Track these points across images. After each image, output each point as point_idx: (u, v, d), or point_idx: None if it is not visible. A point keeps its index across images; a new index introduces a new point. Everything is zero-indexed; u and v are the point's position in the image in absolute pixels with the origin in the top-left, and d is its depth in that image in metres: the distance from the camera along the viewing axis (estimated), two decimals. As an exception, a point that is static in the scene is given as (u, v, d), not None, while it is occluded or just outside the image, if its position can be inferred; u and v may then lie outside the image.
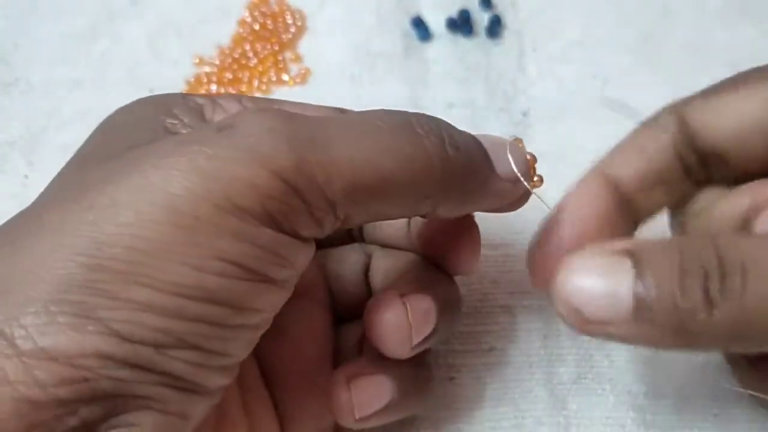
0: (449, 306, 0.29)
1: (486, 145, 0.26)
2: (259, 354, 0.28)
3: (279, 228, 0.22)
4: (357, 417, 0.27)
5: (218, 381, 0.22)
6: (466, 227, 0.29)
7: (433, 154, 0.23)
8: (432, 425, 0.32)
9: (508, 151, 0.26)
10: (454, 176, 0.24)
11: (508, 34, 0.42)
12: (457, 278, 0.34)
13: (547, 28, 0.42)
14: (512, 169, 0.26)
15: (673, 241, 0.24)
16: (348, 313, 0.31)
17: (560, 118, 0.39)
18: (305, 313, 0.29)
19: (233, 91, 0.41)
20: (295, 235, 0.22)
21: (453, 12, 0.43)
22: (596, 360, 0.33)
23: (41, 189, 0.37)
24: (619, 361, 0.33)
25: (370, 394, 0.27)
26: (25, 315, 0.19)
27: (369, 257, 0.31)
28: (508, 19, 0.43)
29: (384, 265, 0.30)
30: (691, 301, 0.22)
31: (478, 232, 0.29)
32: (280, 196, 0.21)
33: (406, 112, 0.24)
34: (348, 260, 0.31)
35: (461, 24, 0.42)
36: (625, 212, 0.27)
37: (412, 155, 0.23)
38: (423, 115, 0.24)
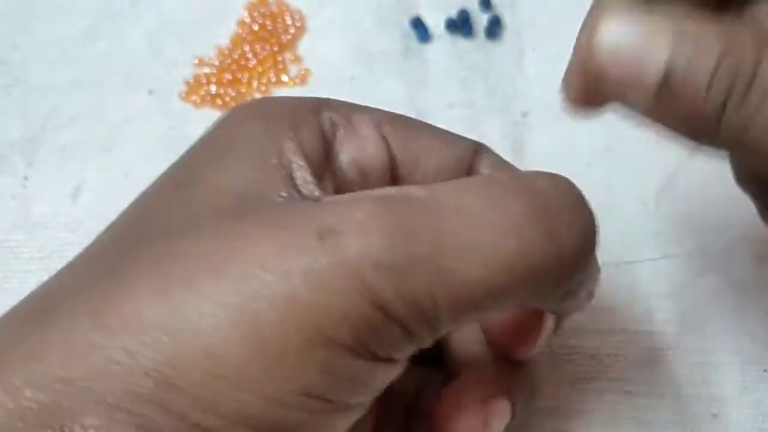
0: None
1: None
2: None
3: (372, 357, 0.19)
4: None
5: None
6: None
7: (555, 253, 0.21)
8: (432, 426, 0.32)
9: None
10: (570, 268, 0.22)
11: (507, 35, 0.42)
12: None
13: (547, 29, 0.42)
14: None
15: (721, 33, 0.20)
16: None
17: (560, 119, 0.39)
18: None
19: (232, 93, 0.41)
20: (388, 361, 0.20)
21: (452, 13, 0.43)
22: (596, 360, 0.33)
23: (41, 190, 0.38)
24: (620, 361, 0.33)
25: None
26: (87, 415, 0.18)
27: None
28: (508, 20, 0.43)
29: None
30: (711, 99, 0.19)
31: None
32: (378, 328, 0.19)
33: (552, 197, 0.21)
34: None
35: (461, 25, 0.42)
36: None
37: (542, 274, 0.21)
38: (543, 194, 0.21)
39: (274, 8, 0.43)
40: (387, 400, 0.25)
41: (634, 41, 0.20)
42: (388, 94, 0.40)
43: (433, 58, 0.42)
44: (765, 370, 0.33)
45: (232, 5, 0.43)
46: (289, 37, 0.42)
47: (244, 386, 0.18)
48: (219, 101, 0.40)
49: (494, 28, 0.42)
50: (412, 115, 0.39)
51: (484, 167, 0.26)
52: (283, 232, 0.19)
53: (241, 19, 0.43)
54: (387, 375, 0.20)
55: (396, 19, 0.42)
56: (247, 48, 0.42)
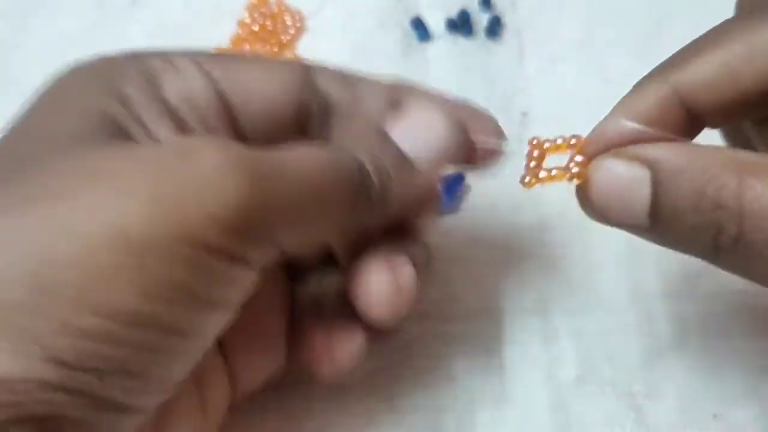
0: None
1: (409, 134, 0.26)
2: None
3: (232, 260, 0.22)
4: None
5: (157, 401, 0.22)
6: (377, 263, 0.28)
7: (353, 183, 0.24)
8: (431, 426, 0.32)
9: (435, 131, 0.26)
10: (374, 202, 0.25)
11: (507, 35, 0.42)
12: (456, 280, 0.34)
13: (547, 29, 0.42)
14: (439, 150, 0.26)
15: (695, 155, 0.23)
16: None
17: (560, 118, 0.39)
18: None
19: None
20: (245, 265, 0.22)
21: (453, 12, 0.43)
22: (596, 361, 0.33)
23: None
24: (620, 361, 0.33)
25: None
26: None
27: None
28: (508, 20, 0.43)
29: None
30: (699, 241, 0.23)
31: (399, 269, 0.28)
32: (238, 233, 0.21)
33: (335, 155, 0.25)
34: None
35: (461, 24, 0.42)
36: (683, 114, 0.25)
37: (337, 182, 0.24)
38: (348, 141, 0.26)
39: (274, 8, 0.43)
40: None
41: (622, 180, 0.24)
42: (388, 94, 0.40)
43: (433, 58, 0.42)
44: (765, 370, 0.33)
45: (232, 5, 0.43)
46: (289, 37, 0.43)
47: (116, 283, 0.20)
48: (219, 101, 0.40)
49: (494, 28, 0.42)
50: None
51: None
52: (143, 153, 0.22)
53: (241, 19, 0.43)
54: (246, 277, 0.23)
55: (396, 19, 0.42)
56: (247, 48, 0.42)
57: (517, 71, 0.41)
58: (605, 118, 0.25)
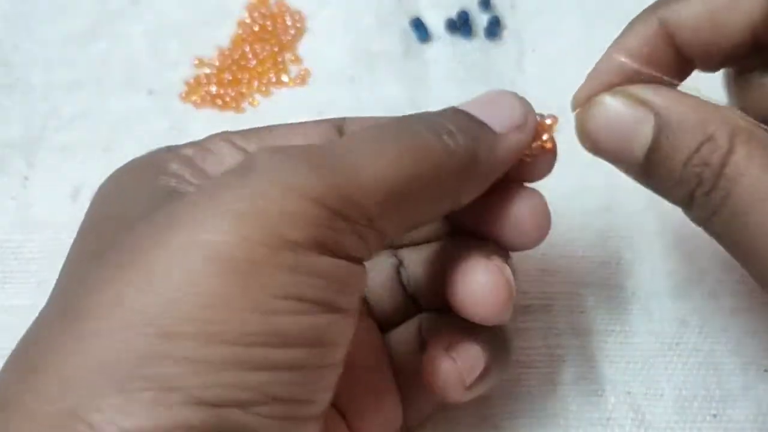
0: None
1: (477, 110, 0.26)
2: None
3: (332, 253, 0.21)
4: (467, 384, 0.27)
5: (304, 430, 0.22)
6: (518, 192, 0.28)
7: (439, 149, 0.24)
8: (432, 425, 0.32)
9: (499, 105, 0.27)
10: (464, 161, 0.24)
11: (507, 35, 0.42)
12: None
13: (547, 29, 0.42)
14: (510, 119, 0.26)
15: (699, 113, 0.24)
16: (389, 321, 0.30)
17: (560, 119, 0.39)
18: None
19: (232, 93, 0.41)
20: (348, 258, 0.22)
21: (452, 13, 0.43)
22: (596, 360, 0.33)
23: (40, 190, 0.38)
24: (619, 361, 0.33)
25: (471, 359, 0.27)
26: (102, 398, 0.18)
27: (399, 260, 0.31)
28: (508, 20, 0.43)
29: (416, 261, 0.30)
30: (682, 187, 0.24)
31: (536, 195, 0.28)
32: (325, 222, 0.21)
33: (398, 118, 0.25)
34: (377, 269, 0.30)
35: (460, 25, 0.42)
36: (675, 55, 0.26)
37: (424, 154, 0.23)
38: (412, 116, 0.25)
39: (275, 9, 0.43)
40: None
41: (624, 120, 0.25)
42: (388, 94, 0.40)
43: (433, 59, 0.42)
44: (765, 370, 0.33)
45: (233, 6, 0.43)
46: (290, 37, 0.42)
47: (232, 306, 0.19)
48: (219, 101, 0.40)
49: (494, 29, 0.42)
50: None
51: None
52: (208, 188, 0.22)
53: (241, 19, 0.43)
54: (355, 275, 0.22)
55: (396, 19, 0.43)
56: (247, 48, 0.42)
57: (517, 72, 0.41)
58: (600, 58, 0.27)
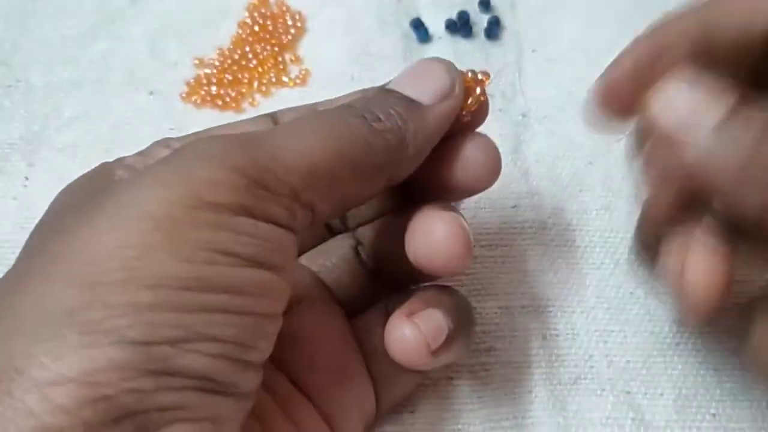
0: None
1: (405, 86, 0.27)
2: (284, 368, 0.28)
3: (255, 217, 0.23)
4: (432, 349, 0.27)
5: (244, 379, 0.22)
6: (462, 139, 0.29)
7: (365, 132, 0.25)
8: (431, 425, 0.32)
9: (426, 77, 0.27)
10: (392, 142, 0.26)
11: (507, 36, 0.42)
12: (454, 278, 0.34)
13: (546, 30, 0.42)
14: (438, 89, 0.27)
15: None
16: (356, 306, 0.31)
17: (559, 120, 0.39)
18: (311, 314, 0.29)
19: (233, 93, 0.41)
20: (274, 223, 0.23)
21: (452, 14, 0.43)
22: (595, 360, 0.33)
23: (41, 190, 0.38)
24: (619, 361, 0.33)
25: (435, 324, 0.27)
26: (36, 345, 0.19)
27: (357, 240, 0.31)
28: (507, 21, 0.43)
29: (371, 236, 0.31)
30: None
31: (480, 136, 0.29)
32: (246, 188, 0.22)
33: (328, 108, 0.27)
34: (336, 252, 0.31)
35: (460, 26, 0.42)
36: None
37: (349, 137, 0.25)
38: (341, 105, 0.27)
39: (275, 9, 0.43)
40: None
41: (692, 104, 0.24)
42: (388, 95, 0.40)
43: (433, 59, 0.42)
44: (764, 370, 0.33)
45: (233, 6, 0.43)
46: (290, 37, 0.43)
47: (155, 256, 0.21)
48: (219, 102, 0.41)
49: (494, 29, 0.42)
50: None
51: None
52: (140, 171, 0.24)
53: (241, 19, 0.43)
54: (281, 238, 0.23)
55: (396, 19, 0.43)
56: (247, 48, 0.42)
57: (517, 73, 0.41)
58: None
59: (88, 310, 0.20)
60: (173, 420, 0.20)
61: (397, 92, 0.27)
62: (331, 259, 0.31)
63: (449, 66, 0.28)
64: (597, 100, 0.28)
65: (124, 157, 0.29)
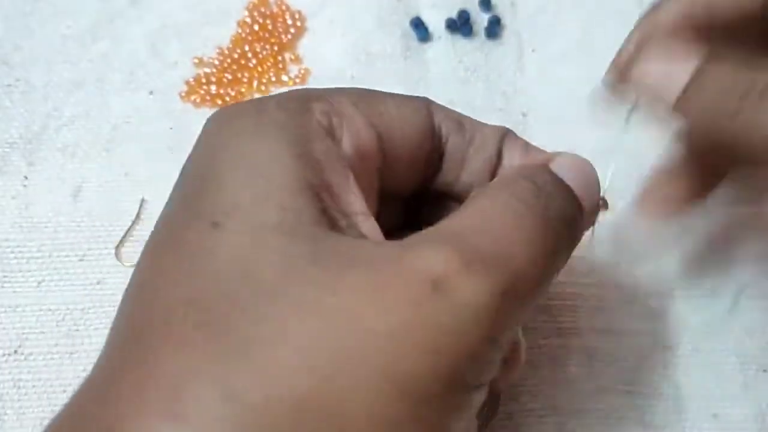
0: None
1: (578, 190, 0.25)
2: None
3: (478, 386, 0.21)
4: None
5: None
6: None
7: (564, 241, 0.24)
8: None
9: (588, 179, 0.26)
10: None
11: (507, 35, 0.42)
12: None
13: (547, 29, 0.42)
14: (595, 196, 0.26)
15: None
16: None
17: (559, 119, 0.39)
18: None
19: (232, 92, 0.41)
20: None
21: (452, 13, 0.43)
22: (596, 360, 0.33)
23: (41, 189, 0.38)
24: (619, 361, 0.33)
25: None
26: None
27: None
28: (508, 20, 0.43)
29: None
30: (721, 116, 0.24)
31: None
32: (488, 359, 0.21)
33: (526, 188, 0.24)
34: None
35: (461, 25, 0.42)
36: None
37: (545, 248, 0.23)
38: (540, 194, 0.24)
39: (275, 8, 0.43)
40: None
41: (664, 69, 0.26)
42: (388, 94, 0.40)
43: (433, 58, 0.42)
44: (765, 370, 0.33)
45: (233, 5, 0.43)
46: (290, 37, 0.42)
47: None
48: (219, 101, 0.41)
49: (494, 28, 0.42)
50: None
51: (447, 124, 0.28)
52: (390, 284, 0.20)
53: (241, 19, 0.43)
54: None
55: (396, 19, 0.43)
56: (247, 48, 0.42)
57: (517, 72, 0.41)
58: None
59: None
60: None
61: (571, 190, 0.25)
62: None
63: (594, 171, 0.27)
64: (609, 87, 0.29)
65: (313, 96, 0.24)
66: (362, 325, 0.19)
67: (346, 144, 0.24)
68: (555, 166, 0.25)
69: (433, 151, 0.27)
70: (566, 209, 0.24)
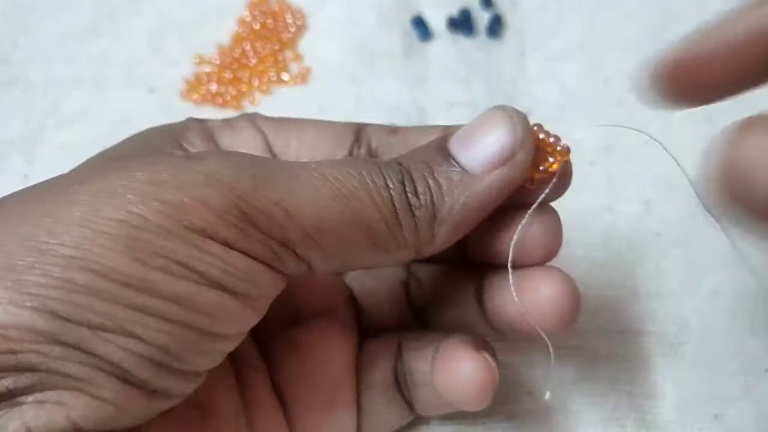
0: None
1: (459, 145, 0.25)
2: (273, 371, 0.28)
3: (230, 245, 0.22)
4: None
5: (169, 383, 0.22)
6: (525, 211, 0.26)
7: (390, 205, 0.24)
8: (432, 426, 0.32)
9: (484, 137, 0.24)
10: (423, 218, 0.24)
11: (508, 34, 0.42)
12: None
13: (548, 28, 0.42)
14: (492, 156, 0.24)
15: None
16: (381, 325, 0.30)
17: (561, 118, 0.39)
18: (324, 333, 0.29)
19: (233, 91, 0.41)
20: (252, 257, 0.23)
21: (454, 11, 0.43)
22: (596, 360, 0.33)
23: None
24: (620, 361, 0.33)
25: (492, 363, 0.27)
26: None
27: (409, 274, 0.30)
28: (509, 19, 0.42)
29: (427, 280, 0.30)
30: None
31: (548, 212, 0.26)
32: (232, 221, 0.22)
33: (366, 161, 0.25)
34: (383, 278, 0.30)
35: (462, 23, 0.42)
36: None
37: (371, 206, 0.24)
38: (380, 163, 0.25)
39: (275, 7, 0.43)
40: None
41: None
42: (388, 93, 0.40)
43: (434, 57, 0.42)
44: (765, 370, 0.33)
45: (233, 3, 0.43)
46: (290, 35, 0.42)
47: (111, 246, 0.21)
48: (219, 100, 0.40)
49: (495, 27, 0.42)
50: (413, 114, 0.40)
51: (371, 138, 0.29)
52: (160, 157, 0.24)
53: (242, 17, 0.43)
54: (257, 272, 0.23)
55: (397, 17, 0.42)
56: (247, 46, 0.42)
57: (518, 71, 0.41)
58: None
59: (26, 272, 0.20)
60: (74, 388, 0.21)
61: (448, 152, 0.25)
62: (376, 283, 0.30)
63: (516, 122, 0.25)
64: (660, 74, 0.25)
65: (208, 119, 0.29)
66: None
67: (224, 143, 0.29)
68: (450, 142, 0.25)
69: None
70: (400, 184, 0.24)
